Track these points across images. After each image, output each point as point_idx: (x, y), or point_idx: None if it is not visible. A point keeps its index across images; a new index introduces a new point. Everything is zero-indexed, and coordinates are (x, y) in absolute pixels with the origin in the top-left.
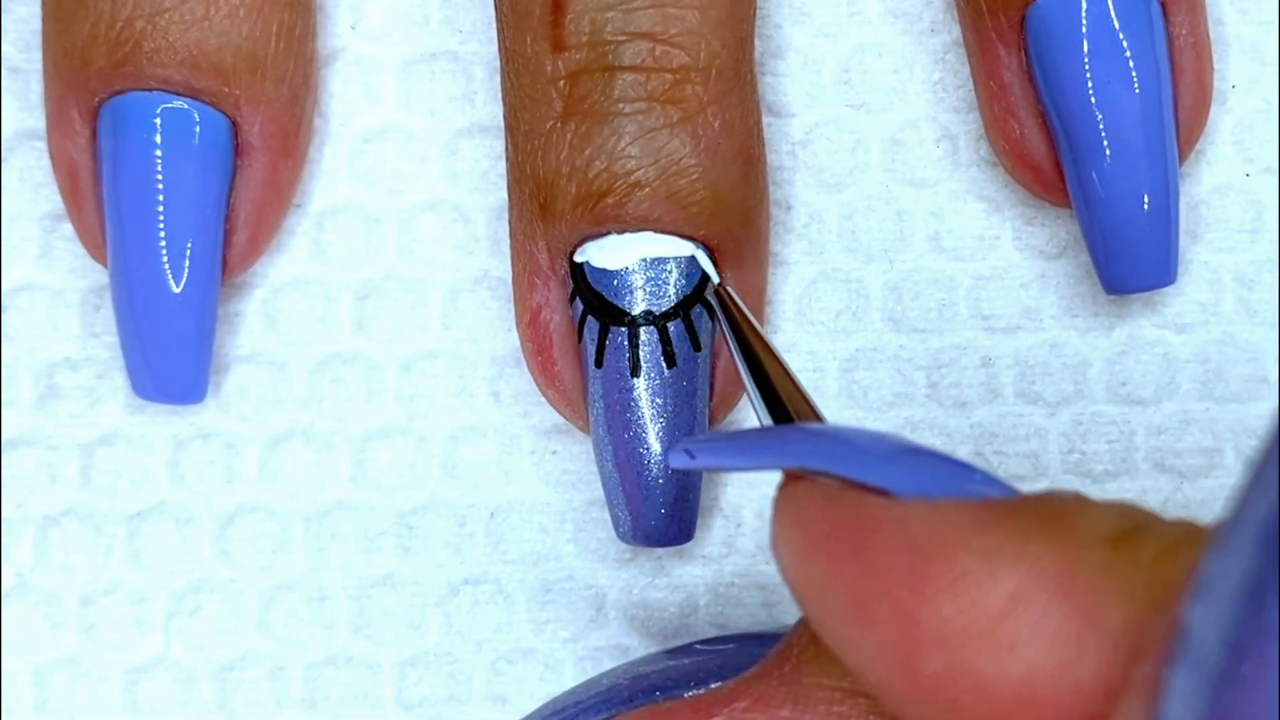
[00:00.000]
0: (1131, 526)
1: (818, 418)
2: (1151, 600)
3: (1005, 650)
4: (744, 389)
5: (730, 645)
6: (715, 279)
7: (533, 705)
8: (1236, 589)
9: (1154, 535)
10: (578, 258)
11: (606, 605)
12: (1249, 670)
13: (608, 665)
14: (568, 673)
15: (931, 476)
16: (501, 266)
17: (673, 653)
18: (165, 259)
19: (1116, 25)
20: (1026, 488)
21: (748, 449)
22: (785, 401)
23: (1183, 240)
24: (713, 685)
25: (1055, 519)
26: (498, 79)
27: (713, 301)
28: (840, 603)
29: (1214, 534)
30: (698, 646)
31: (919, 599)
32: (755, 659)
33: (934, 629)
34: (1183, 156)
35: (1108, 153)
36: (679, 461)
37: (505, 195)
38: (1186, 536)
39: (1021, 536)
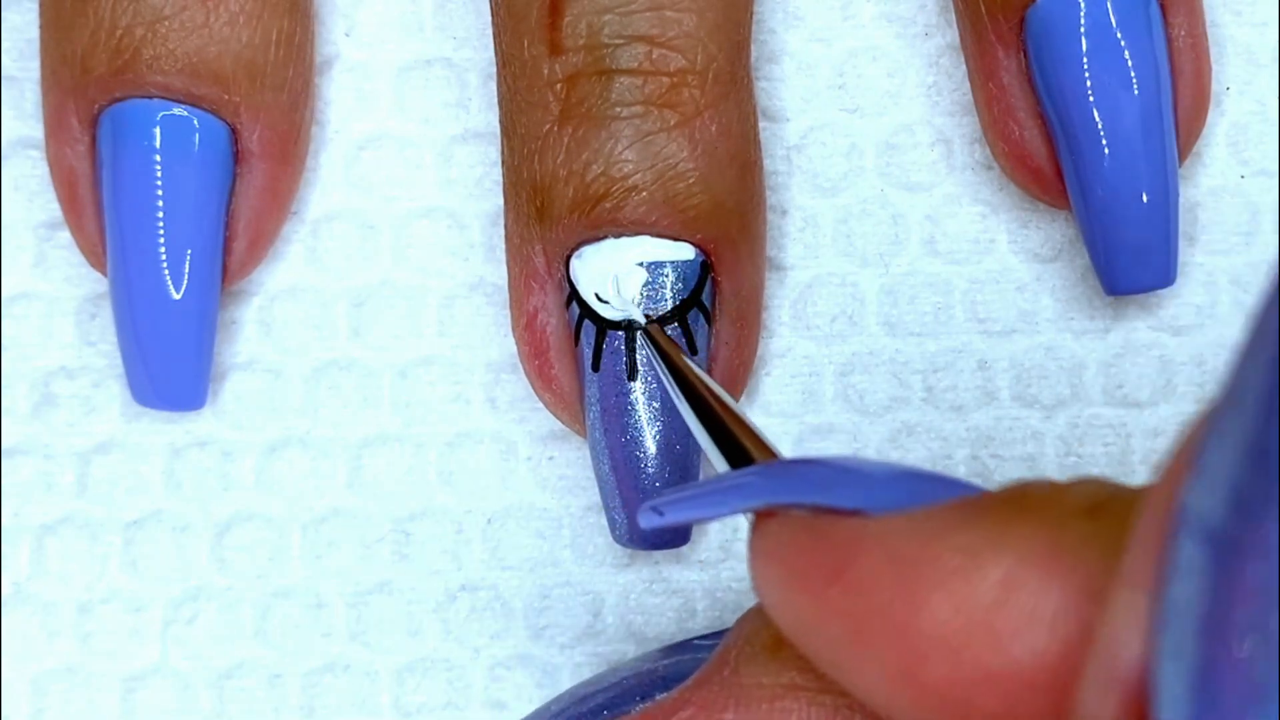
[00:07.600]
0: (1105, 496)
1: (767, 448)
2: None
3: (1008, 638)
4: (739, 393)
5: None
6: (640, 320)
7: (530, 710)
8: (1237, 455)
9: (1128, 499)
10: (576, 278)
11: (604, 611)
12: (1255, 536)
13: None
14: (565, 679)
15: (903, 490)
16: (497, 272)
17: (669, 650)
18: (165, 265)
19: (1115, 27)
20: None
21: (714, 497)
22: (739, 439)
23: (1179, 242)
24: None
25: (1030, 504)
26: (492, 85)
27: (644, 343)
28: (833, 630)
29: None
30: (696, 642)
31: (913, 607)
32: None
33: (934, 634)
34: (1181, 157)
35: (1107, 153)
36: (649, 521)
37: (500, 201)
38: None
39: (1000, 526)
